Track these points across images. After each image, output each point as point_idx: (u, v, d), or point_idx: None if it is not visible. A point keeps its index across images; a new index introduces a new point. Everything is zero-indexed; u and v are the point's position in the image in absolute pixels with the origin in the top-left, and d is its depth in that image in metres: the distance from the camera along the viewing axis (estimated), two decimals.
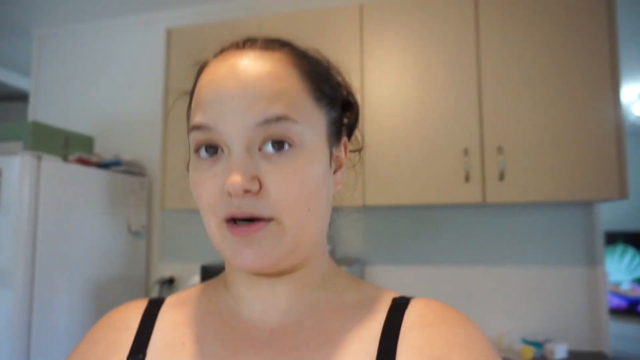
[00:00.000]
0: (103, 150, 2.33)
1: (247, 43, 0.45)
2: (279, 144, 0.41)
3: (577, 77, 1.58)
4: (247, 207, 0.40)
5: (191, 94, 0.48)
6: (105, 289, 2.03)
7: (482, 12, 1.69)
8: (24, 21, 2.58)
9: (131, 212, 2.20)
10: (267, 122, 0.40)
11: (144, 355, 0.46)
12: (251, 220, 0.40)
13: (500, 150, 1.61)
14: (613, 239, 4.38)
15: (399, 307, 0.46)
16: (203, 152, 0.43)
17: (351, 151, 0.54)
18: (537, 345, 1.67)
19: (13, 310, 1.62)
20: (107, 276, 2.04)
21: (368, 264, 2.01)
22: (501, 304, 1.86)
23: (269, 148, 0.41)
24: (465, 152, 1.64)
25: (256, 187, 0.40)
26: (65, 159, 1.95)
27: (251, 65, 0.42)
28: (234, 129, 0.40)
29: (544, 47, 1.63)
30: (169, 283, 2.25)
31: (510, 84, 1.64)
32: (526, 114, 1.62)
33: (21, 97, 3.46)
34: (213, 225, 0.42)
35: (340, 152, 0.50)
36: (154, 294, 2.27)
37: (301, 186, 0.41)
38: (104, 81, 2.53)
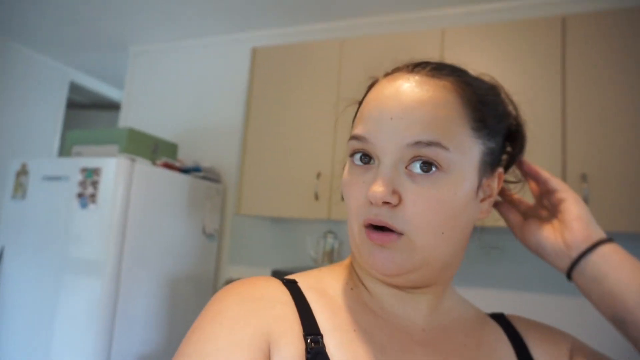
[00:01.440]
0: (185, 156, 2.49)
1: (417, 67, 0.48)
2: (426, 166, 0.43)
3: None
4: (383, 217, 0.43)
5: (359, 104, 0.52)
6: (178, 285, 2.15)
7: (569, 35, 1.67)
8: (122, 38, 2.84)
9: (206, 215, 2.33)
10: (418, 144, 0.43)
11: (321, 336, 0.44)
12: (385, 230, 0.44)
13: (584, 177, 1.57)
14: None
15: (501, 320, 0.55)
16: (357, 159, 0.46)
17: (509, 182, 0.56)
18: None
19: (101, 299, 1.76)
20: (180, 273, 2.17)
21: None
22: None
23: (416, 168, 0.43)
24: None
25: (395, 201, 0.42)
26: (154, 162, 2.11)
27: (415, 90, 0.45)
28: (387, 145, 0.44)
29: (630, 72, 1.58)
30: None
31: (594, 111, 1.60)
32: (611, 142, 1.57)
33: (111, 107, 3.78)
34: (355, 227, 0.46)
35: (492, 182, 0.50)
36: None
37: (438, 209, 0.43)
38: (189, 94, 2.72)
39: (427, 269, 0.46)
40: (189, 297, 2.25)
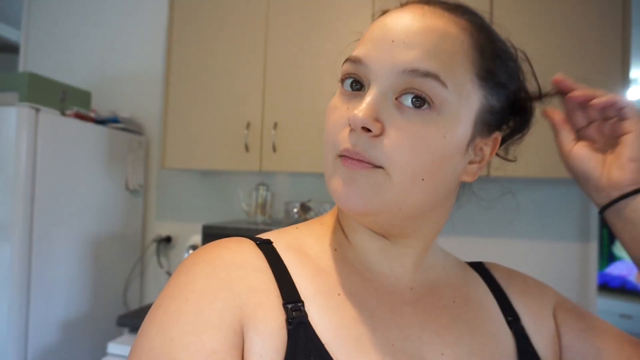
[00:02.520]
0: (100, 106, 2.27)
1: (432, 1, 0.44)
2: (419, 101, 0.39)
3: (586, 57, 1.58)
4: (360, 147, 0.39)
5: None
6: (102, 245, 2.03)
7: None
8: None
9: (129, 170, 2.17)
10: (414, 72, 0.39)
11: (302, 303, 0.40)
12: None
13: None
14: None
15: (481, 270, 0.56)
16: (347, 85, 0.42)
17: (497, 155, 0.52)
18: None
19: (12, 263, 1.62)
20: (104, 233, 2.04)
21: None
22: None
23: (407, 101, 0.39)
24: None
25: (376, 130, 0.38)
26: (63, 113, 1.90)
27: (425, 17, 0.41)
28: (382, 68, 0.40)
29: (553, 25, 1.61)
30: (166, 241, 2.25)
31: None
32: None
33: (11, 49, 3.32)
34: (329, 156, 0.42)
35: (486, 146, 0.46)
36: (151, 252, 2.28)
37: (422, 150, 0.39)
38: (101, 35, 2.43)
39: (397, 215, 0.42)
40: (116, 256, 2.13)
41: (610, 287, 4.02)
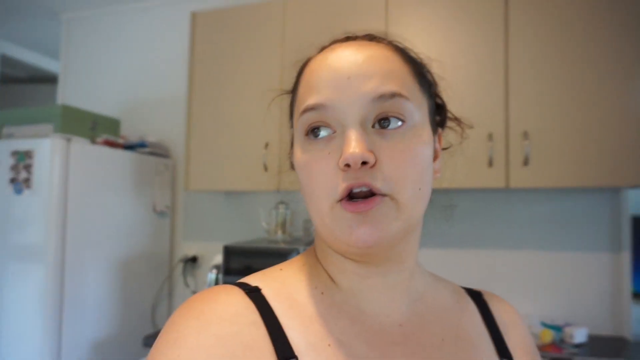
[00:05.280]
0: (129, 132, 2.38)
1: (351, 38, 0.47)
2: (391, 121, 0.42)
3: (607, 62, 1.54)
4: (364, 178, 0.40)
5: (293, 91, 0.50)
6: (131, 266, 2.10)
7: None
8: (53, 4, 2.62)
9: (156, 192, 2.25)
10: (382, 97, 0.41)
11: (296, 359, 0.40)
12: (366, 197, 0.40)
13: (525, 135, 1.59)
14: None
15: (480, 302, 0.54)
16: (313, 134, 0.43)
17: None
18: (557, 328, 1.67)
19: (46, 285, 1.70)
20: (132, 254, 2.11)
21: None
22: (521, 287, 1.85)
23: (382, 124, 0.42)
24: (490, 137, 1.62)
25: (372, 160, 0.40)
26: (93, 141, 2.00)
27: (360, 49, 0.44)
28: (350, 105, 0.41)
29: (573, 32, 1.58)
30: (192, 261, 2.31)
31: (538, 68, 1.60)
32: (553, 99, 1.58)
33: (50, 80, 3.55)
34: (325, 205, 0.42)
35: (437, 143, 0.50)
36: (178, 271, 2.34)
37: (413, 163, 0.42)
38: (129, 64, 2.57)
39: (408, 233, 0.44)
40: (144, 277, 2.20)
41: None
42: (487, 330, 0.51)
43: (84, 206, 1.86)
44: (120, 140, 2.14)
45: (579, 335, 1.62)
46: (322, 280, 0.47)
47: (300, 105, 0.44)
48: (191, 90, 2.04)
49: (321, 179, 0.42)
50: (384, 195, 0.40)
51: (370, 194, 0.40)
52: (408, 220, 0.42)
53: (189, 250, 2.35)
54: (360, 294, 0.46)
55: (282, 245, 1.82)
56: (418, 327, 0.47)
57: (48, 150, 1.75)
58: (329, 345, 0.42)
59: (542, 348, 1.57)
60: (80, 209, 1.83)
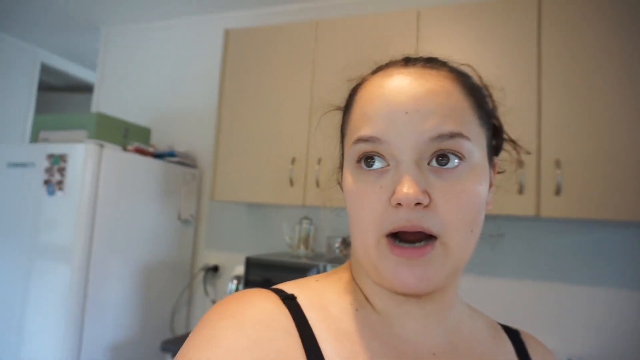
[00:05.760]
0: (159, 141, 2.43)
1: (410, 61, 0.45)
2: (450, 159, 0.40)
3: None
4: (416, 220, 0.39)
5: (346, 111, 0.48)
6: (153, 272, 2.13)
7: (545, 16, 1.63)
8: (94, 18, 2.73)
9: (182, 201, 2.29)
10: (441, 137, 0.40)
11: None
12: (413, 242, 0.40)
13: (558, 163, 1.55)
14: None
15: (515, 339, 0.53)
16: (366, 165, 0.42)
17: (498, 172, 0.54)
18: None
19: (71, 285, 1.74)
20: (155, 260, 2.14)
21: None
22: (548, 321, 1.79)
23: (439, 162, 0.40)
24: (520, 163, 1.58)
25: (427, 200, 0.39)
26: (125, 148, 2.06)
27: (421, 81, 0.42)
28: (406, 142, 0.40)
29: (607, 58, 1.55)
30: (214, 270, 2.33)
31: (572, 95, 1.57)
32: (587, 127, 1.54)
33: (86, 89, 3.68)
34: (371, 239, 0.41)
35: (492, 173, 0.49)
36: (198, 280, 2.36)
37: (469, 204, 0.40)
38: (162, 77, 2.64)
39: (455, 274, 0.42)
40: (166, 283, 2.23)
41: None
42: None
43: (112, 211, 1.90)
44: (150, 149, 2.19)
45: None
46: (357, 298, 0.46)
47: (354, 133, 0.43)
48: (221, 103, 2.08)
49: (370, 212, 0.41)
50: (433, 237, 0.39)
51: (417, 243, 0.39)
52: (456, 265, 0.41)
53: (211, 259, 2.36)
54: (394, 318, 0.45)
55: (304, 261, 1.81)
56: (450, 357, 0.45)
57: (82, 154, 1.81)
58: None
59: None
60: (108, 213, 1.87)
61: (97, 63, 2.86)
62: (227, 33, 2.12)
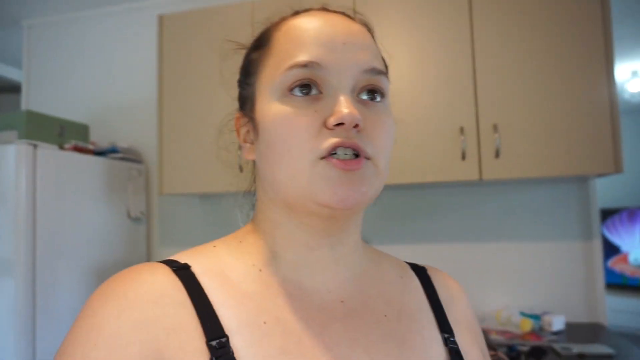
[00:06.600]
0: (99, 138, 2.32)
1: (329, 10, 0.48)
2: (375, 94, 0.44)
3: (571, 55, 1.58)
4: (354, 139, 0.41)
5: (258, 45, 0.49)
6: (107, 274, 2.04)
7: None
8: (13, 12, 2.54)
9: (130, 198, 2.20)
10: (372, 71, 0.43)
11: (227, 338, 0.38)
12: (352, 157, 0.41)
13: (495, 128, 1.62)
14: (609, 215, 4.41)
15: (422, 276, 0.54)
16: (299, 91, 0.42)
17: None
18: (535, 317, 1.70)
19: (16, 299, 1.64)
20: (108, 262, 2.06)
21: (366, 243, 2.03)
22: (499, 279, 1.89)
23: (366, 95, 0.44)
24: (461, 130, 1.64)
25: (363, 124, 0.41)
26: (61, 147, 1.94)
27: (349, 22, 0.46)
28: (345, 70, 0.42)
29: (537, 26, 1.62)
30: None
31: (505, 62, 1.63)
32: (521, 92, 1.62)
33: (14, 89, 3.43)
34: (305, 163, 0.40)
35: None
36: None
37: (389, 136, 0.44)
38: (96, 69, 2.50)
39: (374, 198, 0.45)
40: None
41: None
42: (429, 305, 0.51)
43: (54, 215, 1.80)
44: (90, 146, 2.08)
45: (557, 322, 1.66)
46: (261, 257, 0.46)
47: (284, 61, 0.42)
48: (161, 93, 2.00)
49: (304, 134, 0.40)
50: (368, 158, 0.41)
51: (354, 158, 0.41)
52: (380, 187, 0.44)
53: (167, 256, 2.28)
54: (304, 269, 0.45)
55: None
56: (360, 304, 0.46)
57: (13, 157, 1.69)
58: (265, 322, 0.40)
59: (522, 336, 1.60)
60: (50, 218, 1.77)
61: (22, 59, 2.67)
62: (160, 19, 2.03)
